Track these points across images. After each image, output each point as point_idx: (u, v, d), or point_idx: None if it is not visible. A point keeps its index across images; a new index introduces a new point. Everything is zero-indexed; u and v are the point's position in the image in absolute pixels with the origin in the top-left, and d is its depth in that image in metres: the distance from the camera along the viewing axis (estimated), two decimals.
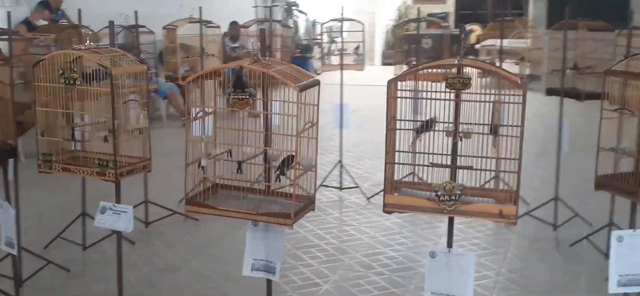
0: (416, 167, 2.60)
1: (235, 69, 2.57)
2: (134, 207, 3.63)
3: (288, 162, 2.66)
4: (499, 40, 6.75)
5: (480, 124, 2.54)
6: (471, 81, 2.38)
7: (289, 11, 15.08)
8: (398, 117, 2.63)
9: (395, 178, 2.64)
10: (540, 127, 8.78)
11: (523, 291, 4.46)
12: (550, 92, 5.74)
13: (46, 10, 8.52)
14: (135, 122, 3.01)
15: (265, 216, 2.64)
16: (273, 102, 2.70)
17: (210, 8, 6.68)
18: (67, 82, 2.87)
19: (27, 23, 8.43)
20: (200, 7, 6.08)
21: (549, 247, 5.21)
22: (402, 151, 2.63)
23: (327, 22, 6.75)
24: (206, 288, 4.50)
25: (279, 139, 2.81)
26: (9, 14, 4.07)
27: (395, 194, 2.60)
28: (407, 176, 2.73)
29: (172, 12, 9.90)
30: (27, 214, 4.81)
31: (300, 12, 15.63)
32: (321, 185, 6.60)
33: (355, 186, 6.65)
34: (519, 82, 2.40)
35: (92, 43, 3.04)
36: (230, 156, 2.84)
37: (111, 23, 3.35)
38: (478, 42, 17.53)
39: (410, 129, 2.66)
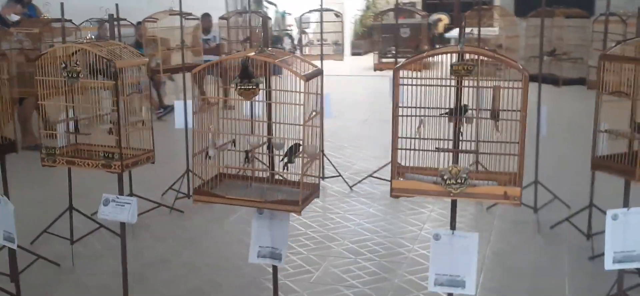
0: (422, 152, 2.66)
1: (240, 60, 2.60)
2: None
3: (295, 150, 2.71)
4: (468, 29, 6.85)
5: (482, 110, 2.62)
6: (475, 68, 2.46)
7: (259, 2, 15.06)
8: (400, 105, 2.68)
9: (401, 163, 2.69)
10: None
11: (509, 272, 4.57)
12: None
13: (18, 4, 8.39)
14: (140, 114, 3.03)
15: (274, 204, 2.69)
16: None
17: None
18: (70, 75, 2.88)
19: (0, 19, 8.30)
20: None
21: (530, 230, 5.34)
22: (405, 137, 2.68)
23: (306, 12, 6.78)
24: (199, 279, 4.52)
25: (279, 128, 2.87)
26: None
27: (401, 179, 2.66)
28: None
29: (141, 5, 9.83)
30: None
31: (270, 3, 15.63)
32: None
33: (337, 175, 6.72)
34: (521, 68, 2.48)
35: (91, 37, 3.05)
36: (234, 145, 2.88)
37: (111, 16, 3.35)
38: (446, 31, 17.76)
39: (413, 116, 2.71)
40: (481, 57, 2.51)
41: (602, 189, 5.06)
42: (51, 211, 5.30)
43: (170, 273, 4.63)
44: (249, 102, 2.76)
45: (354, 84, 13.73)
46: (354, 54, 18.73)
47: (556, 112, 6.28)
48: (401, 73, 2.82)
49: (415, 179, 2.62)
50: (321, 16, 6.44)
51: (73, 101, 3.13)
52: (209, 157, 2.75)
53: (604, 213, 4.90)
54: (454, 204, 2.75)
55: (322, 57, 6.55)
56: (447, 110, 2.65)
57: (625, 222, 2.81)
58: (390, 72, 6.64)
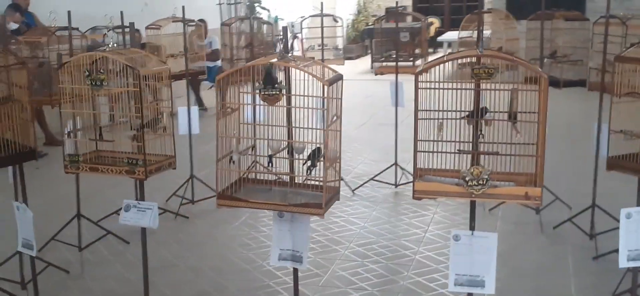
0: (441, 154, 2.71)
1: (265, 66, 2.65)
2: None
3: (317, 154, 2.75)
4: (467, 33, 6.92)
5: (500, 112, 2.68)
6: (496, 72, 2.52)
7: (251, 8, 15.10)
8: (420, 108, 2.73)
9: (420, 166, 2.74)
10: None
11: (513, 273, 4.63)
12: (528, 80, 5.93)
13: (17, 12, 8.40)
14: (162, 121, 3.07)
15: (299, 207, 2.73)
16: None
17: (176, 6, 6.62)
18: (93, 83, 2.91)
19: None
20: (183, 6, 6.10)
21: (533, 230, 5.40)
22: (425, 140, 2.73)
23: (307, 17, 6.83)
24: (206, 283, 4.55)
25: (298, 132, 2.91)
26: None
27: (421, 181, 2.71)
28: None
29: (135, 12, 9.84)
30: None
31: (263, 8, 15.67)
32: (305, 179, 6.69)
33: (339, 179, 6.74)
34: (539, 71, 2.54)
35: (109, 45, 3.09)
36: (254, 151, 2.92)
37: (132, 25, 3.38)
38: (437, 34, 17.87)
39: (430, 119, 2.76)
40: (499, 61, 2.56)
41: (602, 189, 5.13)
42: (55, 217, 5.31)
43: (176, 277, 4.66)
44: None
45: (349, 88, 13.75)
46: (346, 58, 18.78)
47: (556, 114, 6.35)
48: (401, 77, 2.86)
49: (435, 181, 2.67)
50: (322, 21, 6.49)
51: (94, 108, 3.16)
52: (233, 162, 2.79)
53: (607, 213, 5.04)
54: (473, 205, 2.80)
55: (322, 61, 6.59)
56: (467, 113, 2.70)
57: (639, 221, 2.87)
58: (389, 76, 6.76)
